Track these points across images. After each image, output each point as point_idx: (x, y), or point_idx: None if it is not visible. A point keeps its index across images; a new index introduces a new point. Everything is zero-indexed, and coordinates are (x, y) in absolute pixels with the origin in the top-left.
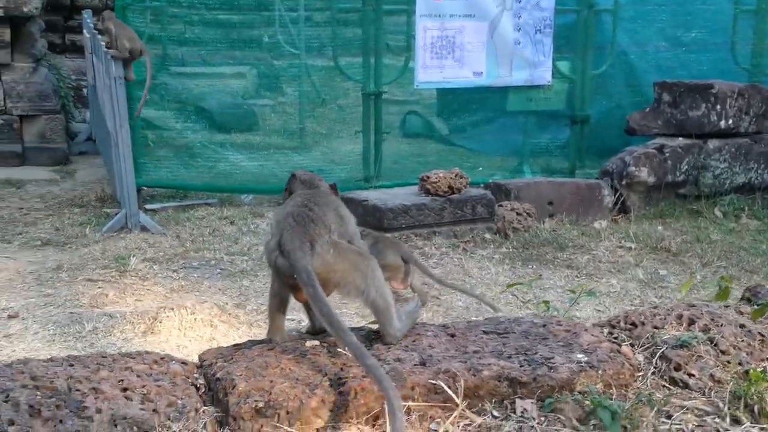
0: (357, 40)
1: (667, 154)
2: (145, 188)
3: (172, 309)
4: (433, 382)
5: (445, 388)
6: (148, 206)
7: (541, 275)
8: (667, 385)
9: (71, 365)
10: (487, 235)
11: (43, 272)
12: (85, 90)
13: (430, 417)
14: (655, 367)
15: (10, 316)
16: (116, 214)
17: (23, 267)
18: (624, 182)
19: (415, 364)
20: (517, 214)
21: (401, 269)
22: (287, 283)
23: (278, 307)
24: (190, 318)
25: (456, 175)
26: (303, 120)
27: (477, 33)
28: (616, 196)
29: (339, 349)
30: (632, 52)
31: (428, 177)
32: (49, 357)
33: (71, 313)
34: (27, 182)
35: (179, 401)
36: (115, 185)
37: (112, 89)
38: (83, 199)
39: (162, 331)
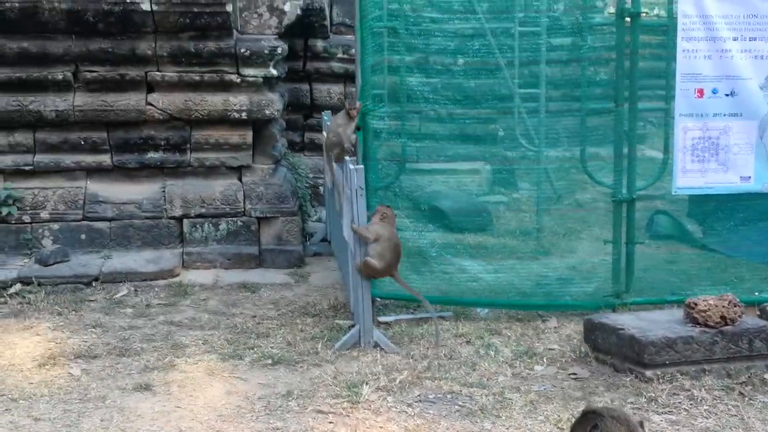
0: (607, 141)
1: None
2: (378, 299)
3: None
4: None
5: None
6: (381, 318)
7: None
8: None
9: None
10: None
11: (273, 398)
12: (321, 188)
13: None
14: None
15: None
16: (349, 327)
17: (253, 390)
18: None
19: None
20: None
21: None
22: None
23: None
24: None
25: (729, 303)
26: (540, 220)
27: (744, 133)
28: None
29: None
30: None
31: (696, 304)
32: None
33: None
34: (262, 286)
35: None
36: (348, 294)
37: (352, 199)
38: (316, 307)
39: None
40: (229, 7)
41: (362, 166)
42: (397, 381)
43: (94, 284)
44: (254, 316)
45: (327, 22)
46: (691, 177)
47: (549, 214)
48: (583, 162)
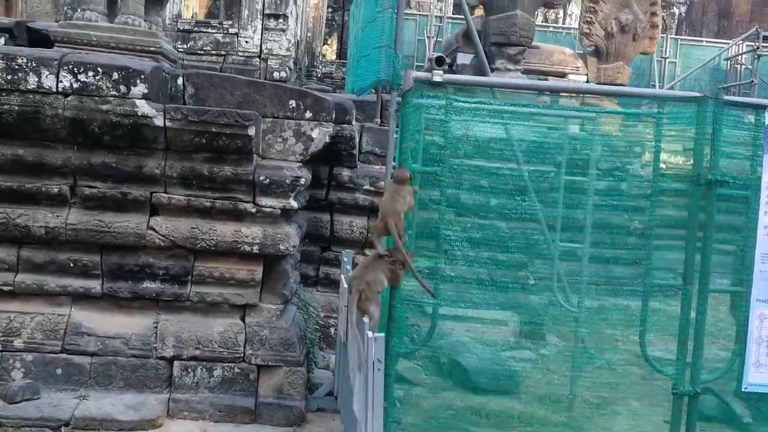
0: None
1: None
2: None
3: None
4: None
5: None
6: None
7: None
8: None
9: None
10: None
11: None
12: (333, 329)
13: None
14: None
15: None
16: None
17: None
18: None
19: None
20: None
21: None
22: None
23: None
24: None
25: None
26: (574, 387)
27: None
28: None
29: None
30: None
31: None
32: None
33: None
34: None
35: None
36: None
37: (367, 372)
38: None
39: None
40: (251, 131)
41: (382, 335)
42: None
43: (63, 430)
44: None
45: (356, 151)
46: (765, 372)
47: (581, 378)
48: (643, 347)
